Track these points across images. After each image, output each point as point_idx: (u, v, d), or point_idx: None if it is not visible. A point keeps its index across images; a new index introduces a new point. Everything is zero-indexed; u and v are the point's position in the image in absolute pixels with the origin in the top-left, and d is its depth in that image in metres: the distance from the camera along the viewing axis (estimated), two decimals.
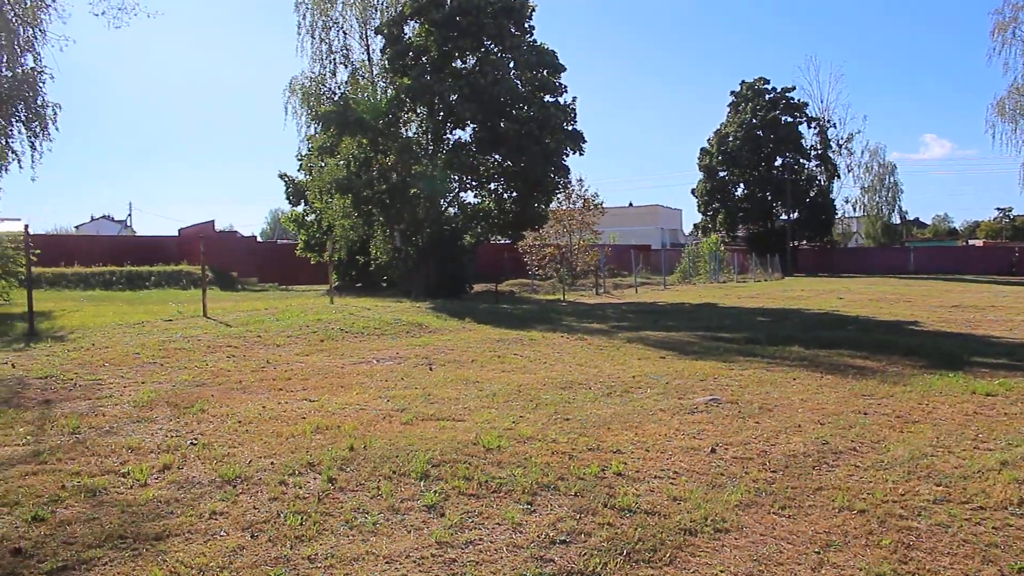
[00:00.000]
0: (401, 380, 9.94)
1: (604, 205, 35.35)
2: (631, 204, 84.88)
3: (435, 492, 5.36)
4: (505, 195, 29.51)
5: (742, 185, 70.76)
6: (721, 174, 70.61)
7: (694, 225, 77.23)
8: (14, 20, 20.01)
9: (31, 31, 20.50)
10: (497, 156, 28.70)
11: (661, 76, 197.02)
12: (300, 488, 5.44)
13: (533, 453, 6.31)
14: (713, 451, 6.48)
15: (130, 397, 8.59)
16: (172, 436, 6.84)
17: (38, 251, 18.77)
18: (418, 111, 28.61)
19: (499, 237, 32.88)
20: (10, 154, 22.02)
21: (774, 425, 7.40)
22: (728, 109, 72.70)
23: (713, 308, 24.04)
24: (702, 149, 72.35)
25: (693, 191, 73.14)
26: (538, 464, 5.99)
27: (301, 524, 4.77)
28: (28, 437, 6.77)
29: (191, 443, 6.58)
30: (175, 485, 5.48)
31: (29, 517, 4.77)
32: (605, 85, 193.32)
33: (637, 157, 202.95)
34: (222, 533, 4.63)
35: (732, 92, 72.39)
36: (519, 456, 6.23)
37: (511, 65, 28.29)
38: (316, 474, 5.75)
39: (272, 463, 6.01)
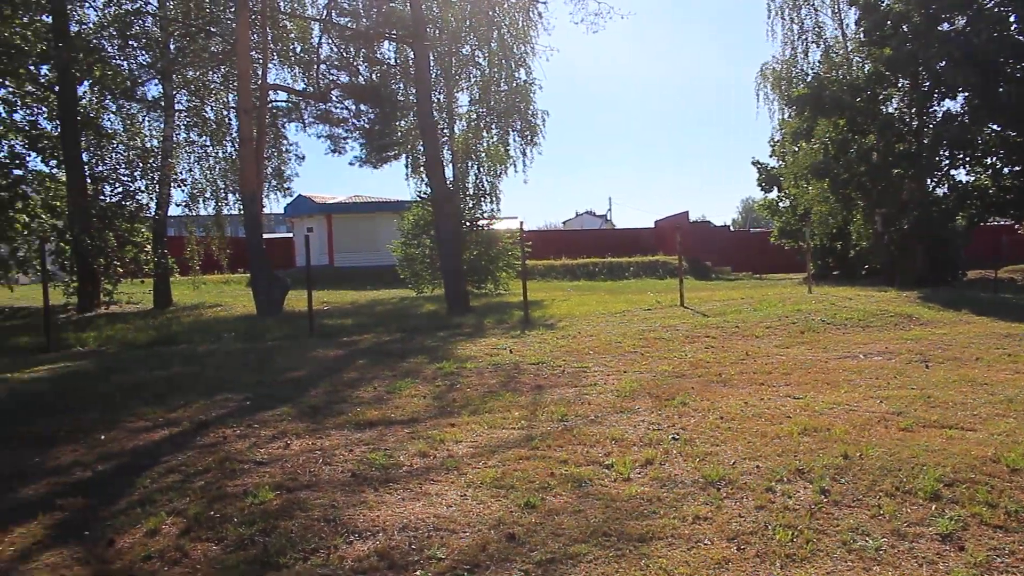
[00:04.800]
0: (894, 378, 9.07)
1: None
2: None
3: (950, 518, 4.71)
4: (1004, 170, 26.59)
5: None
6: None
7: None
8: (509, 40, 22.77)
9: (523, 48, 23.19)
10: (995, 126, 25.78)
11: None
12: (789, 498, 5.16)
13: None
14: None
15: (613, 386, 9.05)
16: (654, 429, 7.01)
17: (531, 245, 21.50)
18: (899, 84, 26.91)
19: (996, 218, 29.89)
20: (508, 160, 25.17)
21: None
22: None
23: None
24: None
25: None
26: None
27: (791, 540, 4.49)
28: (522, 421, 7.46)
29: (673, 438, 6.67)
30: (657, 482, 5.55)
31: (522, 503, 5.18)
32: None
33: None
34: (706, 541, 4.55)
35: None
36: None
37: (1012, 19, 24.57)
38: (806, 483, 5.42)
39: (757, 466, 5.81)
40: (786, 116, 32.65)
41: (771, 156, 36.30)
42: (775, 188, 36.42)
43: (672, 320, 14.76)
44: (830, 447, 6.19)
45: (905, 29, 25.77)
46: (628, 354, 11.38)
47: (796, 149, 29.88)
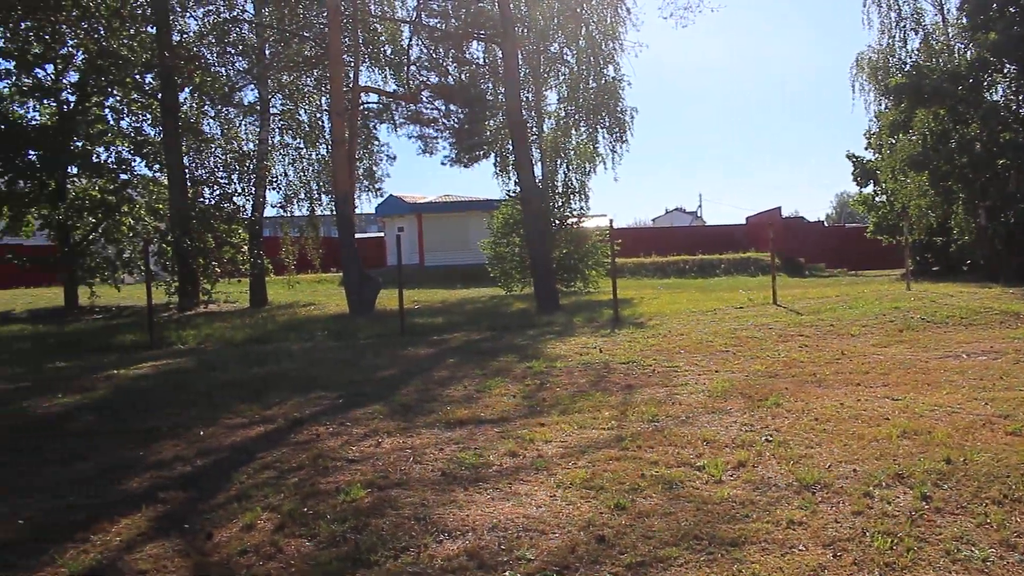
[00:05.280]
0: (999, 379, 8.66)
1: None
2: None
3: None
4: None
5: None
6: None
7: None
8: (598, 36, 22.67)
9: (612, 44, 23.05)
10: None
11: None
12: (888, 503, 4.97)
13: None
14: None
15: (704, 386, 8.90)
16: (746, 430, 6.86)
17: (620, 243, 21.40)
18: (1005, 70, 25.68)
19: None
20: (597, 157, 25.07)
21: None
22: None
23: None
24: None
25: None
26: None
27: (891, 548, 4.32)
28: (612, 422, 7.39)
29: (766, 440, 6.51)
30: (750, 485, 5.43)
31: (612, 504, 5.13)
32: None
33: None
34: (800, 547, 4.41)
35: None
36: None
37: None
38: (906, 488, 5.22)
39: (854, 470, 5.62)
40: (883, 107, 31.61)
41: (867, 149, 35.28)
42: (871, 182, 35.50)
43: (764, 318, 14.46)
44: (931, 451, 5.95)
45: (1012, 11, 24.73)
46: (719, 353, 11.18)
47: (893, 141, 29.01)
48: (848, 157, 36.31)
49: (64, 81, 24.43)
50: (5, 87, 23.93)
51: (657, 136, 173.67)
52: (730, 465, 5.87)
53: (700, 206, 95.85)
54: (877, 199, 35.16)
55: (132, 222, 24.57)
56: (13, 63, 23.17)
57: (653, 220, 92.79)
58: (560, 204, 26.02)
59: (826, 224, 61.47)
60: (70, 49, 23.87)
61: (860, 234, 38.88)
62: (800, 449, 6.20)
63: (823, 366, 9.94)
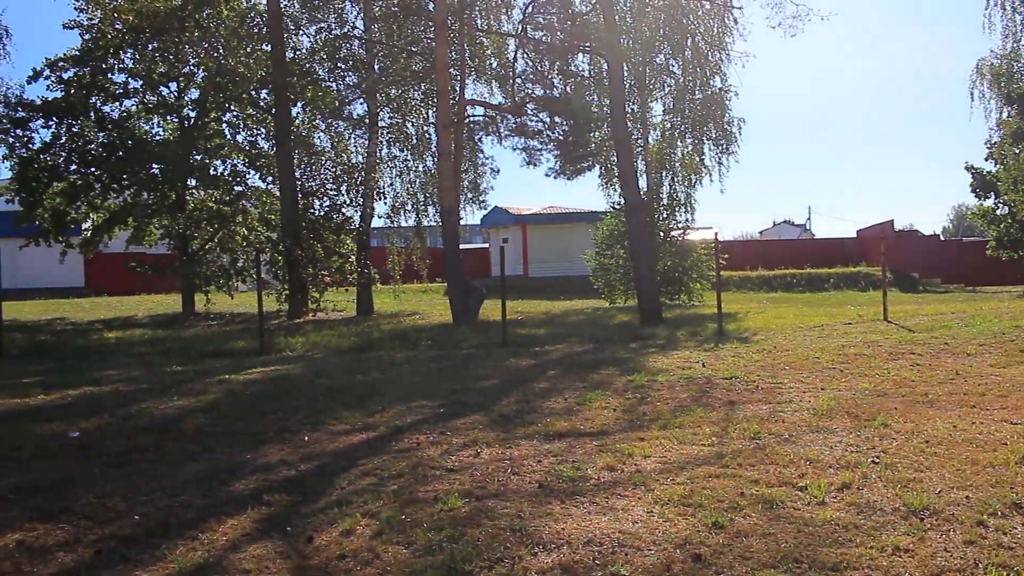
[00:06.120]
0: None
1: None
2: None
3: None
4: None
5: None
6: None
7: None
8: (704, 47, 22.40)
9: (718, 55, 22.74)
10: None
11: None
12: (1003, 533, 4.71)
13: None
14: None
15: (809, 404, 8.65)
16: (852, 451, 6.63)
17: (726, 256, 21.09)
18: None
19: None
20: (703, 169, 24.76)
21: None
22: None
23: None
24: None
25: None
26: None
27: None
28: (713, 438, 7.26)
29: (872, 461, 6.27)
30: (854, 508, 5.23)
31: (710, 522, 5.03)
32: None
33: None
34: (906, 575, 4.23)
35: None
36: None
37: None
38: (1023, 517, 4.95)
39: (967, 497, 5.36)
40: (1005, 115, 30.17)
41: (987, 159, 33.57)
42: (991, 194, 33.72)
43: (874, 335, 13.95)
44: None
45: None
46: (826, 370, 10.85)
47: (1017, 151, 27.57)
48: (967, 168, 34.63)
49: (186, 98, 25.70)
50: (133, 105, 25.31)
51: (765, 147, 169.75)
52: (834, 487, 5.68)
53: (809, 218, 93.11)
54: (998, 212, 33.54)
55: (246, 232, 25.53)
56: (140, 82, 24.49)
57: (760, 233, 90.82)
58: (665, 216, 25.78)
59: (942, 238, 59.04)
60: (192, 68, 25.07)
61: (979, 248, 37.17)
62: (909, 472, 5.95)
63: (935, 386, 9.51)
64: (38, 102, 23.36)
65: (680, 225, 26.09)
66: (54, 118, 23.61)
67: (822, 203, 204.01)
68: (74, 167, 24.01)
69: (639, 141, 23.97)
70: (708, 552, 4.57)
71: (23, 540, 5.12)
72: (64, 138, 23.79)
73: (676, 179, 25.53)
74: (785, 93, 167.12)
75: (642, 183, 22.89)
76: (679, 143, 24.96)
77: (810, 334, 14.61)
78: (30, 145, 23.43)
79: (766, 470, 6.15)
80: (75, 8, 22.68)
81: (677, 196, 25.66)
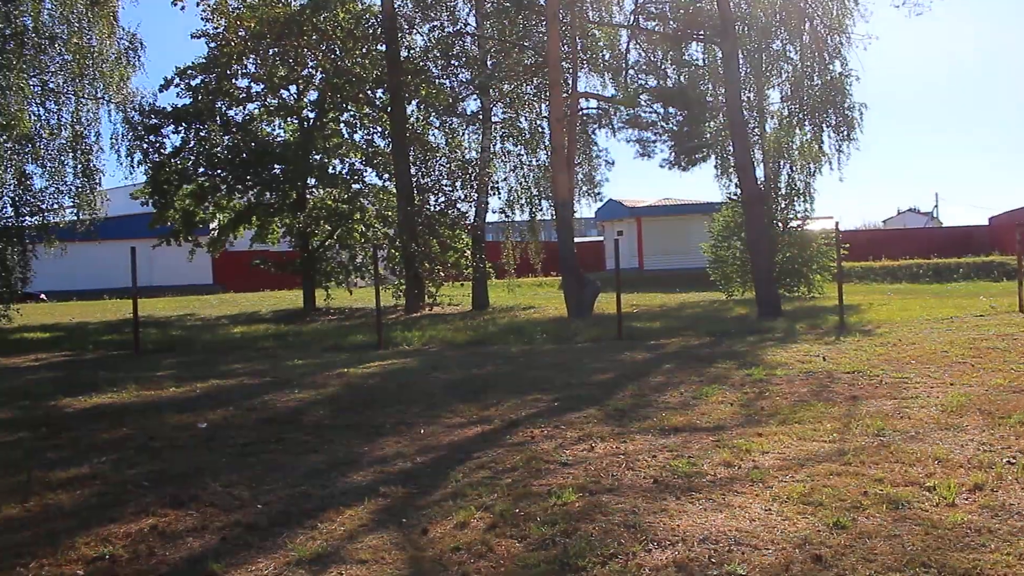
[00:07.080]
0: None
1: None
2: None
3: None
4: None
5: None
6: None
7: None
8: (822, 31, 21.66)
9: (838, 38, 21.94)
10: None
11: None
12: None
13: None
14: None
15: (937, 400, 8.26)
16: (984, 450, 6.29)
17: (847, 246, 20.44)
18: None
19: None
20: (823, 157, 23.98)
21: None
22: None
23: None
24: None
25: None
26: None
27: None
28: (834, 434, 7.02)
29: (1008, 462, 5.93)
30: (988, 511, 4.96)
31: (831, 522, 4.85)
32: None
33: None
34: None
35: None
36: None
37: None
38: None
39: None
40: None
41: None
42: None
43: (1009, 328, 13.21)
44: None
45: None
46: (955, 365, 10.32)
47: None
48: None
49: (305, 100, 26.53)
50: (255, 108, 26.29)
51: (889, 133, 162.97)
52: (965, 488, 5.40)
53: (936, 206, 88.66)
54: None
55: (363, 229, 26.15)
56: (262, 86, 25.40)
57: (883, 222, 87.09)
58: (783, 206, 25.10)
59: None
60: (310, 70, 25.85)
61: None
62: None
63: None
64: (169, 109, 24.48)
65: (799, 215, 25.38)
66: (183, 124, 24.71)
67: (951, 190, 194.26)
68: (202, 170, 25.07)
69: (755, 130, 23.37)
70: (829, 553, 4.40)
71: (156, 525, 5.38)
72: (192, 142, 24.88)
73: (794, 168, 24.83)
74: (910, 75, 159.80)
75: (759, 173, 22.30)
76: (797, 131, 24.26)
77: (938, 326, 13.96)
78: (162, 150, 24.54)
79: (891, 469, 5.90)
80: (201, 18, 23.66)
81: (795, 185, 24.95)
